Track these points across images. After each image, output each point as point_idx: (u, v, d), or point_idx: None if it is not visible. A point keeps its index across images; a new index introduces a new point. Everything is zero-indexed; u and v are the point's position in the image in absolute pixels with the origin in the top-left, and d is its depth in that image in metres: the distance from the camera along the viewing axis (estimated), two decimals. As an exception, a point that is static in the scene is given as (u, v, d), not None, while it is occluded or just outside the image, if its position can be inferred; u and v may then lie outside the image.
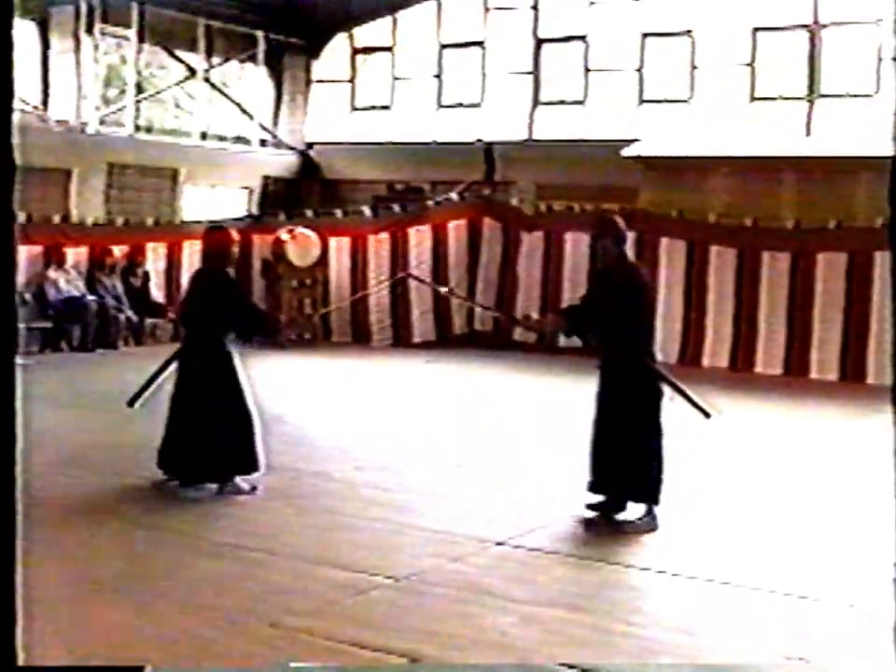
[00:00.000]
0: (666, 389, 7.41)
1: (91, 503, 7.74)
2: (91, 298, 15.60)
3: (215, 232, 8.44)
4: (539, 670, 4.98)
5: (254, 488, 8.01)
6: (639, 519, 7.32)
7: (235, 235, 8.58)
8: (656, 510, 7.32)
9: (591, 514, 7.44)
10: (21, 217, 15.19)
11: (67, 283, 15.65)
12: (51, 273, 15.57)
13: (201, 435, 7.94)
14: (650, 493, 7.32)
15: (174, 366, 8.24)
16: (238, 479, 8.05)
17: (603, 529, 7.29)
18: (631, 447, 7.29)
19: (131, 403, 8.31)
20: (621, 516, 7.42)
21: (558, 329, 8.50)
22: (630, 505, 7.44)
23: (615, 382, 7.37)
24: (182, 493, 7.94)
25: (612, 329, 7.36)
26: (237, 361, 8.13)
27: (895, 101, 12.12)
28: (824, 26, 17.71)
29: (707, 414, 7.44)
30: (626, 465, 7.31)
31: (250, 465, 8.05)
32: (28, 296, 15.22)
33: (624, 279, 7.40)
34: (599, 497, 7.48)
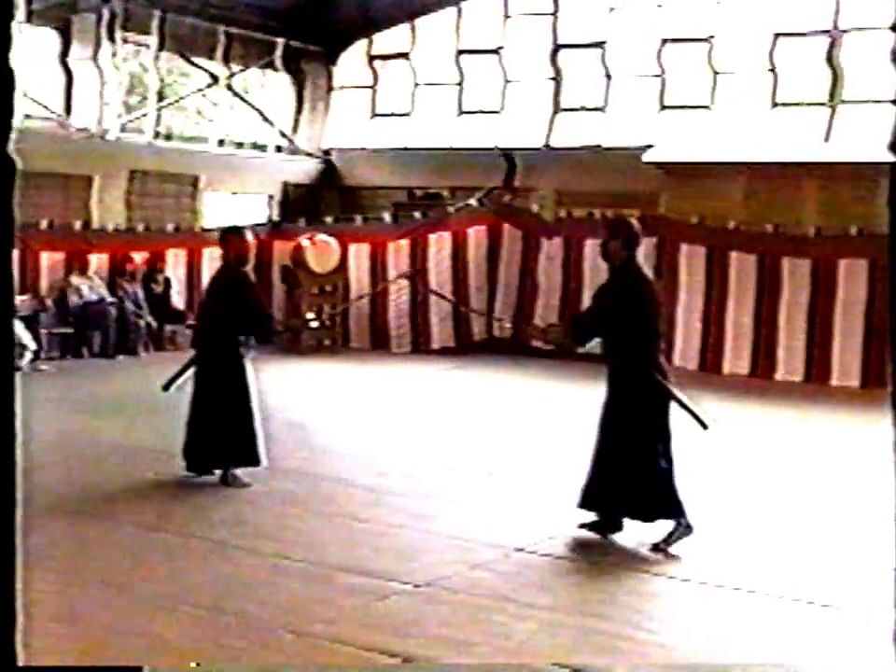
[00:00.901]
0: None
1: (105, 505, 7.77)
2: (110, 303, 15.66)
3: (231, 235, 8.54)
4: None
5: (248, 483, 8.37)
6: (671, 534, 7.00)
7: (251, 238, 8.68)
8: (684, 521, 7.01)
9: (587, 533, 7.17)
10: (43, 224, 15.32)
11: (90, 289, 15.71)
12: (74, 280, 15.64)
13: (209, 427, 8.33)
14: (652, 510, 7.05)
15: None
16: (239, 472, 8.42)
17: (621, 536, 7.24)
18: (632, 463, 7.01)
19: (166, 388, 8.63)
20: (617, 536, 7.17)
21: (563, 338, 8.31)
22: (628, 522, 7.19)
23: (618, 392, 7.14)
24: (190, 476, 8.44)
25: (614, 338, 7.14)
26: (248, 364, 8.49)
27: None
28: (845, 31, 17.65)
29: (704, 426, 7.21)
30: (626, 481, 7.02)
31: (252, 459, 8.44)
32: (49, 302, 15.31)
33: (628, 287, 7.11)
34: (592, 516, 7.22)
